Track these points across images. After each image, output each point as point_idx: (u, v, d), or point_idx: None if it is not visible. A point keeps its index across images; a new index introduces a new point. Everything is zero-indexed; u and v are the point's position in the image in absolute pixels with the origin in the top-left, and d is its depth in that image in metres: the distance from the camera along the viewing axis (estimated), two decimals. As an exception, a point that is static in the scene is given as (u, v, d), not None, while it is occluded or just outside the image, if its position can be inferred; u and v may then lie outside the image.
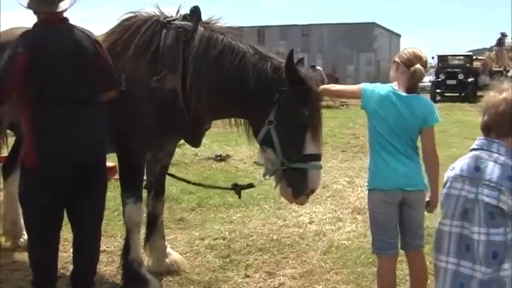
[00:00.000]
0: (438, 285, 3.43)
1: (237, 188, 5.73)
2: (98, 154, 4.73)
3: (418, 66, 4.84)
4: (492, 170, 3.20)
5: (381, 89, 4.94)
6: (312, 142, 4.98)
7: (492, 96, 3.35)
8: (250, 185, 5.86)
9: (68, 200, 4.61)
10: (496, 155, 3.24)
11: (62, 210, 4.68)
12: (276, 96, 4.96)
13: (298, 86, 4.91)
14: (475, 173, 3.24)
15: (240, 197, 5.81)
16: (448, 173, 3.41)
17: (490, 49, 39.57)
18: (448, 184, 3.35)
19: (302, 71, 5.06)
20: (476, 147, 3.38)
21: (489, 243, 3.19)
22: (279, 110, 4.96)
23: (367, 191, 5.06)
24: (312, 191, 5.13)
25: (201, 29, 5.30)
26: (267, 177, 5.21)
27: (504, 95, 3.30)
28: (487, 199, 3.18)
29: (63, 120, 4.46)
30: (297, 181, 5.03)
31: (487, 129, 3.35)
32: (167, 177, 6.58)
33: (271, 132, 5.00)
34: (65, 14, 4.65)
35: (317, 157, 5.04)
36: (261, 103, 5.02)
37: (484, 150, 3.31)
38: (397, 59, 5.02)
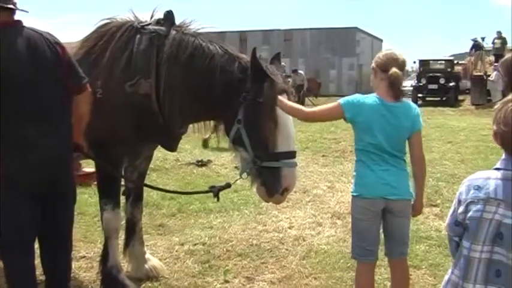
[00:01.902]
0: None
1: (215, 190, 5.70)
2: (65, 165, 4.65)
3: (394, 69, 4.78)
4: None
5: (366, 100, 4.83)
6: (282, 139, 4.95)
7: None
8: (227, 185, 5.78)
9: (38, 213, 4.52)
10: None
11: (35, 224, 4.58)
12: (243, 95, 4.96)
13: (263, 82, 4.90)
14: (511, 196, 3.05)
15: (218, 200, 5.68)
16: (474, 193, 3.17)
17: (471, 54, 39.68)
18: (479, 206, 3.12)
19: (269, 68, 5.04)
20: (508, 167, 3.14)
21: None
22: (246, 108, 4.96)
23: (351, 197, 5.03)
24: (287, 190, 5.07)
25: (173, 32, 5.32)
26: (244, 176, 5.19)
27: None
28: None
29: (25, 132, 4.30)
30: (270, 180, 5.01)
31: None
32: (148, 182, 6.58)
33: (240, 131, 5.00)
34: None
35: (290, 154, 5.01)
36: (230, 103, 5.03)
37: None
38: (373, 64, 4.96)
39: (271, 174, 4.98)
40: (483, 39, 37.28)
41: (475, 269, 3.16)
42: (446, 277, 3.43)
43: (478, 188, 3.14)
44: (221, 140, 5.47)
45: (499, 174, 3.13)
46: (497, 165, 3.18)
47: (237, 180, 5.49)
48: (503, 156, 3.19)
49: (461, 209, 3.22)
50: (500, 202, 3.06)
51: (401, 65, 4.87)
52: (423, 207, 5.20)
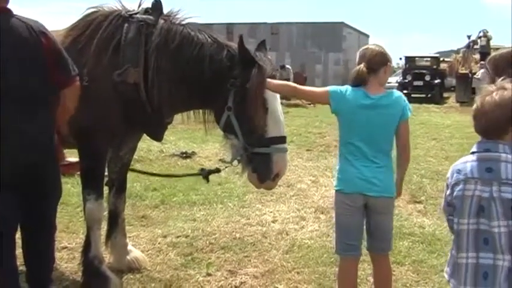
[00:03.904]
0: (460, 281, 3.58)
1: (205, 172, 5.68)
2: (47, 155, 4.56)
3: (360, 66, 4.86)
4: (506, 170, 3.40)
5: (353, 93, 4.84)
6: (272, 125, 5.00)
7: (485, 101, 3.49)
8: (217, 170, 5.81)
9: (20, 204, 4.47)
10: (504, 155, 3.43)
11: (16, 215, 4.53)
12: (231, 81, 5.00)
13: (251, 68, 4.93)
14: (487, 174, 3.44)
15: (208, 181, 5.75)
16: (456, 176, 3.57)
17: (457, 51, 39.75)
18: (461, 186, 3.52)
19: (257, 54, 5.09)
20: (479, 150, 3.54)
21: (511, 234, 3.40)
22: (235, 95, 5.00)
23: (334, 192, 5.05)
24: (278, 175, 5.12)
25: (161, 21, 5.30)
26: (235, 163, 5.22)
27: (497, 98, 3.45)
28: (507, 196, 3.36)
29: (5, 118, 4.18)
30: (261, 166, 5.06)
31: (486, 133, 3.53)
32: (131, 173, 6.53)
33: (230, 118, 5.05)
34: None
35: (280, 140, 5.06)
36: (220, 91, 5.06)
37: (492, 152, 3.48)
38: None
39: (262, 161, 5.03)
40: (469, 37, 37.28)
41: (465, 239, 3.53)
42: (449, 254, 3.78)
43: (459, 171, 3.56)
44: (210, 129, 5.46)
45: (474, 156, 3.54)
46: (473, 149, 3.58)
47: (227, 167, 5.48)
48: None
49: (448, 192, 3.63)
50: (477, 180, 3.47)
51: (369, 59, 4.90)
52: (401, 193, 5.26)
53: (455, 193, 3.55)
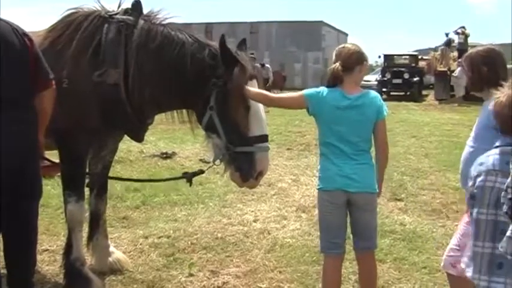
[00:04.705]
0: (475, 269, 3.67)
1: (189, 175, 5.65)
2: (29, 159, 4.53)
3: (336, 65, 4.88)
4: None
5: (329, 93, 4.86)
6: (254, 123, 5.01)
7: (496, 102, 3.65)
8: (200, 172, 5.73)
9: (1, 206, 4.42)
10: None
11: None
12: (213, 81, 5.00)
13: (233, 67, 4.94)
14: (506, 167, 3.51)
15: (191, 185, 5.66)
16: (478, 168, 3.67)
17: (435, 49, 39.91)
18: (482, 177, 3.61)
19: (239, 53, 5.10)
20: (502, 144, 3.65)
21: None
22: (218, 94, 5.01)
23: (316, 191, 5.10)
24: (261, 174, 5.13)
25: (141, 22, 5.28)
26: (217, 162, 5.21)
27: (504, 99, 3.59)
28: None
29: None
30: (244, 165, 5.06)
31: (502, 131, 3.66)
32: (112, 174, 6.49)
33: (213, 117, 5.04)
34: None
35: (262, 138, 5.06)
36: (201, 90, 5.06)
37: None
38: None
39: (244, 159, 5.04)
40: (447, 34, 37.42)
41: (483, 229, 3.63)
42: (467, 245, 3.97)
43: (481, 164, 3.66)
44: (193, 129, 5.44)
45: (497, 150, 3.64)
46: (496, 144, 3.70)
47: (210, 166, 5.44)
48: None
49: (470, 183, 3.73)
50: (498, 172, 3.55)
51: (344, 57, 4.92)
52: (381, 192, 5.24)
53: (476, 183, 3.65)
